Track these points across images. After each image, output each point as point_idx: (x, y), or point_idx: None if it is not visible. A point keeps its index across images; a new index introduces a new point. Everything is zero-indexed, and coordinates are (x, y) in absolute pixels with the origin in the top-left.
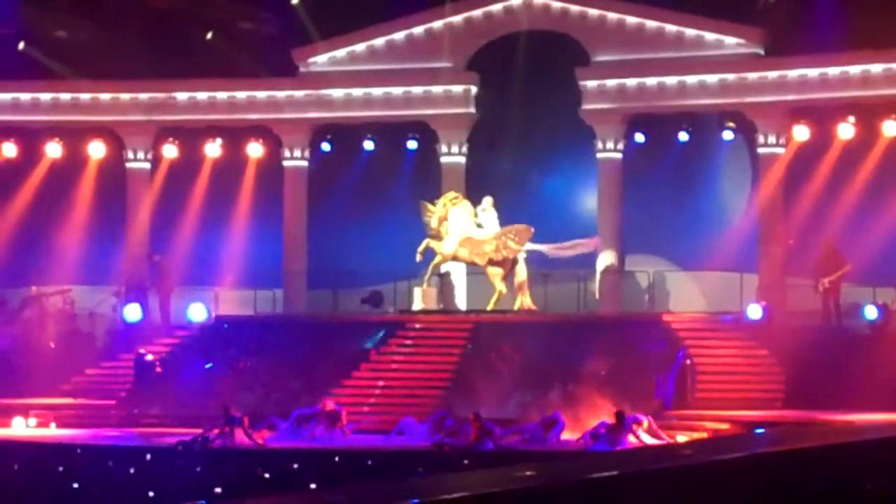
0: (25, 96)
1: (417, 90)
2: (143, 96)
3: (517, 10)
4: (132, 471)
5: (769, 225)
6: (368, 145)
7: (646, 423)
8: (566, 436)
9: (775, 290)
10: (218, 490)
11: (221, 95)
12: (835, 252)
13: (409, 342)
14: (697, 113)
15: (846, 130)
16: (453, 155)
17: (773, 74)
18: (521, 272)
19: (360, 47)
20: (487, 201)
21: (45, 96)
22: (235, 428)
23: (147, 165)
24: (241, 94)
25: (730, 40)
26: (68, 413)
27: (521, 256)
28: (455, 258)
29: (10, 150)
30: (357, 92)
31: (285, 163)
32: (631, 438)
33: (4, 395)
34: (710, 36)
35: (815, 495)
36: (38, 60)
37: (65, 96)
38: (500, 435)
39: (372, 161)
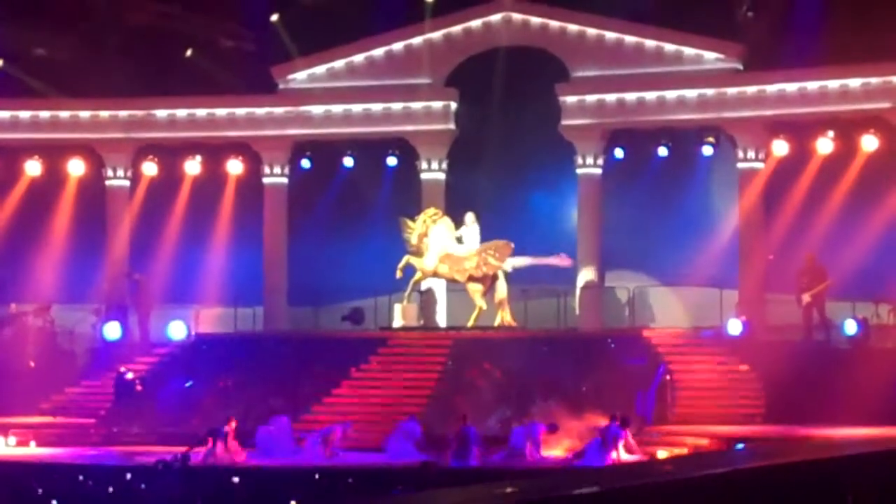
0: (4, 114)
1: (397, 106)
2: (123, 114)
3: (496, 25)
4: (112, 489)
5: (749, 240)
6: (348, 162)
7: (622, 443)
8: (554, 452)
9: (755, 306)
10: None
11: (201, 112)
12: (817, 266)
13: (389, 359)
14: (677, 128)
15: (825, 145)
16: (433, 171)
17: (751, 89)
18: (501, 288)
19: (339, 64)
20: (470, 217)
21: (25, 114)
22: (217, 442)
23: (126, 183)
24: (220, 111)
25: (709, 55)
26: (48, 431)
27: (501, 273)
28: (435, 274)
29: None
30: (336, 108)
31: (265, 179)
32: (613, 455)
33: None
34: (689, 51)
35: None
36: (18, 78)
37: (44, 114)
38: (483, 454)
39: (352, 177)
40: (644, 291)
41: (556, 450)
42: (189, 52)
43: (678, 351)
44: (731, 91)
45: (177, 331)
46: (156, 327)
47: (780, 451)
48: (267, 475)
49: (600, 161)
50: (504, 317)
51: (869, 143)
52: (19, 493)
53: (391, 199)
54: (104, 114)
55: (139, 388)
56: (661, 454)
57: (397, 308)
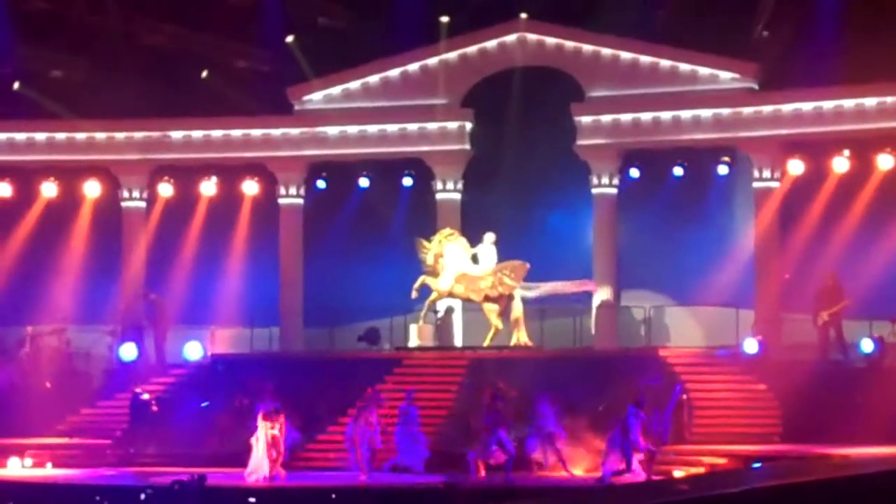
0: (21, 136)
1: (412, 127)
2: (139, 135)
3: (511, 46)
4: None
5: (765, 259)
6: (364, 182)
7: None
8: (575, 471)
9: (771, 325)
10: None
11: (216, 133)
12: (836, 285)
13: (405, 379)
14: (692, 148)
15: (841, 164)
16: (448, 191)
17: (767, 109)
18: (517, 308)
19: (354, 84)
20: (489, 237)
21: (41, 136)
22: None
23: (142, 204)
24: (236, 132)
25: (724, 75)
26: (64, 453)
27: (517, 293)
28: (451, 295)
29: (5, 189)
30: (352, 129)
31: (281, 200)
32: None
33: (0, 434)
34: (704, 71)
35: None
36: (34, 100)
37: (60, 136)
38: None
39: (367, 198)
40: (660, 311)
41: (575, 469)
42: (205, 74)
43: (695, 370)
44: (747, 110)
45: (193, 351)
46: (172, 348)
47: (798, 470)
48: (281, 495)
49: (616, 181)
50: (520, 336)
51: (885, 161)
52: None
53: (407, 219)
54: (120, 135)
55: (155, 408)
56: (678, 473)
57: (413, 328)
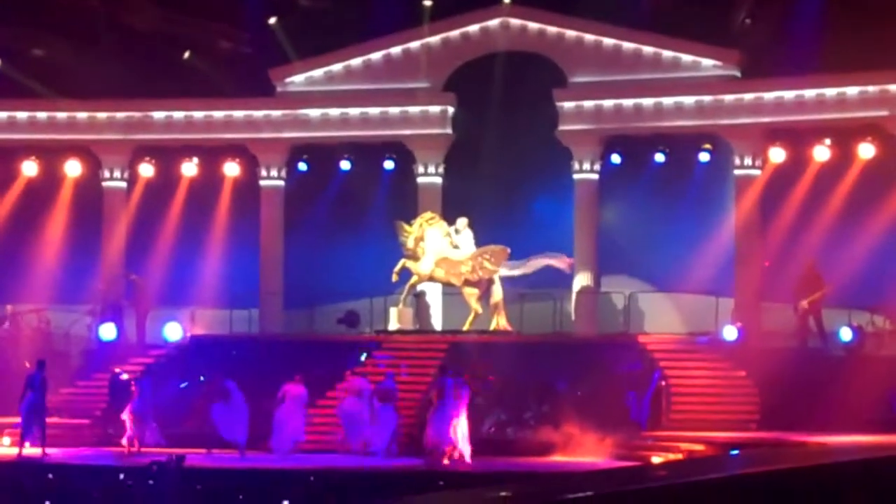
0: (2, 114)
1: (394, 110)
2: (120, 115)
3: (494, 30)
4: (106, 490)
5: (745, 247)
6: (345, 165)
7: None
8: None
9: (751, 312)
10: None
11: (198, 115)
12: (815, 273)
13: (384, 362)
14: (674, 134)
15: (822, 153)
16: (430, 175)
17: (749, 96)
18: (497, 292)
19: (337, 67)
20: (462, 222)
21: (22, 115)
22: None
23: (123, 184)
24: (217, 114)
25: (706, 62)
26: None
27: (497, 277)
28: (431, 278)
29: None
30: (334, 112)
31: (262, 182)
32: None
33: None
34: (686, 58)
35: None
36: (15, 79)
37: (41, 115)
38: None
39: (348, 181)
40: (640, 297)
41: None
42: (187, 55)
43: (673, 357)
44: (729, 98)
45: (172, 332)
46: (151, 328)
47: (775, 458)
48: (261, 477)
49: (597, 167)
50: (499, 321)
51: (865, 150)
52: (13, 493)
53: (387, 202)
54: (101, 115)
55: (134, 389)
56: (656, 459)
57: (393, 311)
